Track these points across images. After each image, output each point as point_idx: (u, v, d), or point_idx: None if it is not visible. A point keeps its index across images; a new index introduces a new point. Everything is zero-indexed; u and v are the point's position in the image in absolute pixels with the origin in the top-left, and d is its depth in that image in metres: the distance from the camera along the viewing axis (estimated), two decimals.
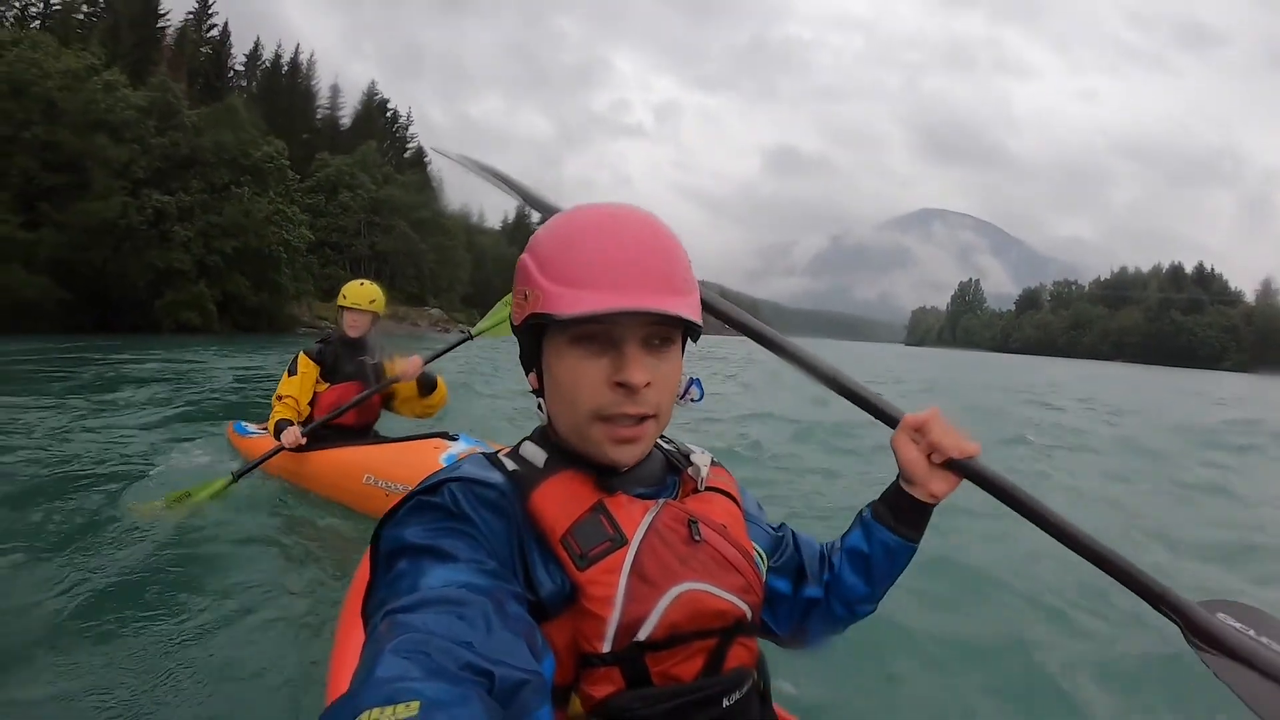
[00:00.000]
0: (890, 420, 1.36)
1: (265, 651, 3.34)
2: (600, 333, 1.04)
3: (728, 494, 1.25)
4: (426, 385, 5.42)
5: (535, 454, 1.13)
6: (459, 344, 5.49)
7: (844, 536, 1.38)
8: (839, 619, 1.38)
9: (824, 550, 1.40)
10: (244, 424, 6.97)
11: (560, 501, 1.06)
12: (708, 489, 1.22)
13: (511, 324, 1.14)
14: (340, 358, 5.47)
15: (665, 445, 1.27)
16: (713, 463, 1.28)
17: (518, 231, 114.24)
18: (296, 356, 5.43)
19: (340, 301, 5.52)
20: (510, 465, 1.11)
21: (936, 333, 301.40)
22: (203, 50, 70.40)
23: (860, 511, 1.37)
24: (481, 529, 0.99)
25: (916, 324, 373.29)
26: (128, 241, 36.42)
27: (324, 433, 5.34)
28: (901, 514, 1.31)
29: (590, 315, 1.00)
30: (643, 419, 1.07)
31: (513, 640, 0.81)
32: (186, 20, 69.15)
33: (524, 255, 1.11)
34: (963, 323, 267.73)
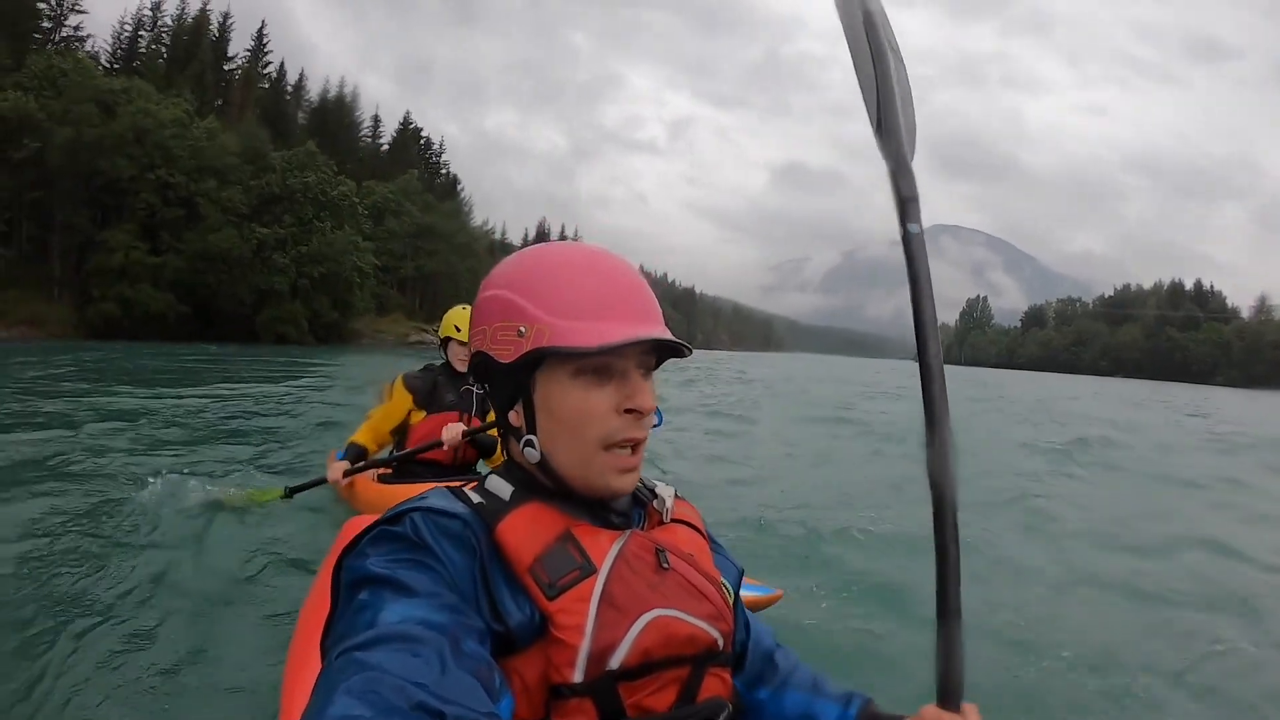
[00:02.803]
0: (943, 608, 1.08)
1: (232, 677, 3.26)
2: (603, 365, 1.06)
3: (692, 526, 1.26)
4: (486, 449, 4.90)
5: (501, 487, 1.12)
6: None
7: (820, 694, 1.29)
8: None
9: (780, 660, 1.35)
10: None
11: (527, 532, 1.04)
12: (672, 521, 1.23)
13: (485, 363, 1.14)
14: (440, 386, 4.84)
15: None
16: (676, 496, 1.28)
17: None
18: (395, 381, 4.86)
19: (445, 332, 4.86)
20: (475, 498, 1.09)
21: (946, 350, 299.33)
22: (260, 86, 77.07)
23: (851, 696, 1.28)
24: (443, 560, 0.97)
25: None
26: (236, 267, 44.54)
27: (415, 469, 4.88)
28: None
29: (615, 346, 1.03)
30: (637, 446, 1.11)
31: (468, 680, 0.80)
32: (245, 61, 76.31)
33: (497, 291, 1.12)
34: (970, 340, 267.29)
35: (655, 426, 1.17)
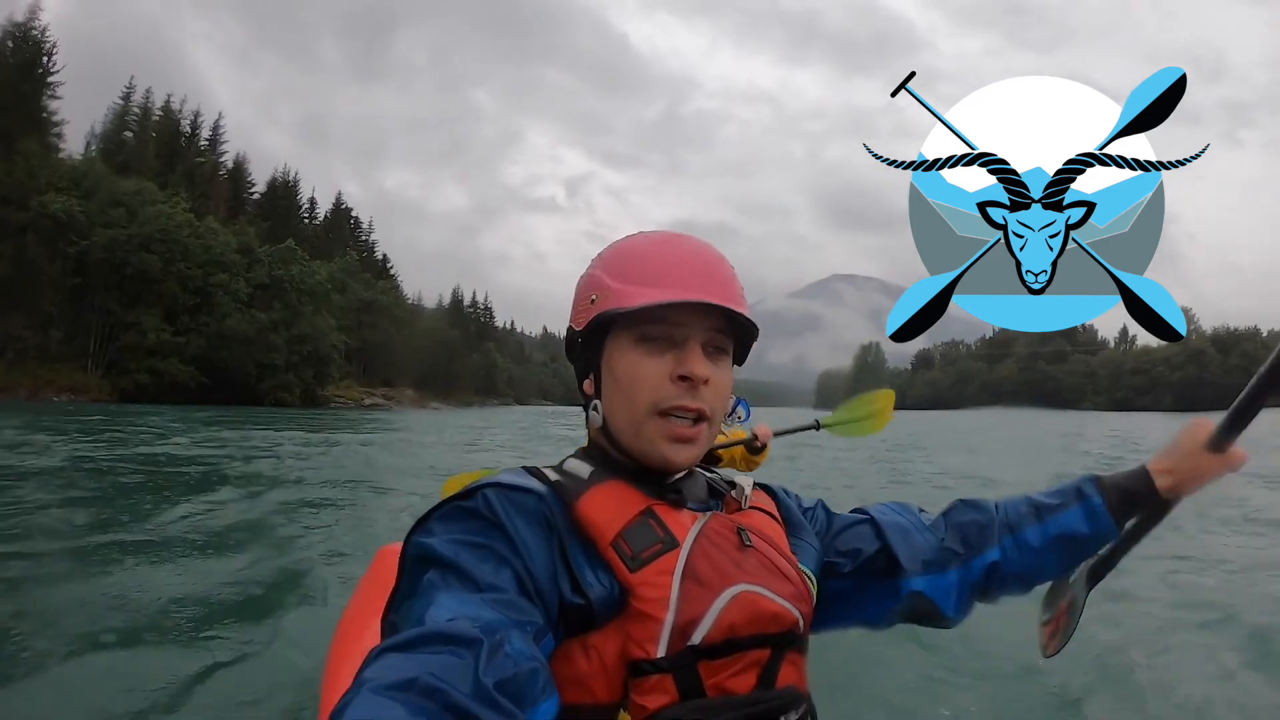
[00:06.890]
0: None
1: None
2: (663, 334, 1.07)
3: (770, 515, 1.24)
4: (756, 448, 4.72)
5: (579, 467, 1.13)
6: (806, 429, 4.57)
7: (1047, 514, 1.28)
8: (977, 598, 1.33)
9: (973, 517, 1.33)
10: None
11: (609, 507, 1.04)
12: (750, 508, 1.21)
13: (570, 336, 1.19)
14: None
15: (707, 473, 1.26)
16: (756, 486, 1.27)
17: (456, 313, 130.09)
18: None
19: None
20: (553, 476, 1.09)
21: (843, 395, 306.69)
22: (220, 176, 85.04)
23: (1078, 487, 1.26)
24: (514, 538, 0.95)
25: (823, 387, 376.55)
26: (241, 345, 55.67)
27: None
28: (1137, 506, 1.24)
29: (658, 304, 1.04)
30: (699, 419, 1.08)
31: (503, 685, 0.75)
32: (204, 152, 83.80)
33: (591, 270, 1.17)
34: (865, 384, 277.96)
35: (743, 421, 1.45)
